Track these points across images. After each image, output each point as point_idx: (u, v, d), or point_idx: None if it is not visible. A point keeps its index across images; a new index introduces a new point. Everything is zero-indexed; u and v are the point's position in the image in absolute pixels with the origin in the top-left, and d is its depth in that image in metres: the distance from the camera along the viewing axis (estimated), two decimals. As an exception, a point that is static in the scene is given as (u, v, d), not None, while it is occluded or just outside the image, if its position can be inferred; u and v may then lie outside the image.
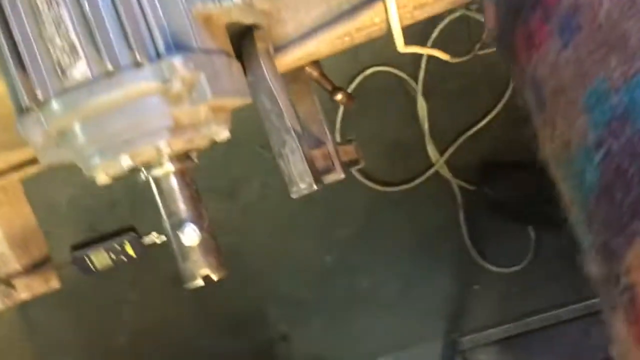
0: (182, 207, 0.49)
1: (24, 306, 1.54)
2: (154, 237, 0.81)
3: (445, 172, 1.31)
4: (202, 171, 1.47)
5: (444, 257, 1.34)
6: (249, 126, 1.37)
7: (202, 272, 0.50)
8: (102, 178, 0.50)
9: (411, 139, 1.33)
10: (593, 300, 1.25)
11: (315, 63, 0.71)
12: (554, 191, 1.10)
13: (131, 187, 1.47)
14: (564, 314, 1.28)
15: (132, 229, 0.78)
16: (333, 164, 0.62)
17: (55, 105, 0.43)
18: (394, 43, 1.30)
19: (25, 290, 0.70)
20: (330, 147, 0.62)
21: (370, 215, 1.37)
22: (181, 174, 0.49)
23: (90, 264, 0.76)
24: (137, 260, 0.79)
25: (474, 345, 1.32)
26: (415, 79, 1.30)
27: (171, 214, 0.49)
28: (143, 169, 0.49)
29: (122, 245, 0.76)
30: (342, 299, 1.41)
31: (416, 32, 1.28)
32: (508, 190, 1.21)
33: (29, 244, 0.73)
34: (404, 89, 1.32)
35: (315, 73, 0.70)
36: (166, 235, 0.51)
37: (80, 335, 1.55)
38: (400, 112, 1.33)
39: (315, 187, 0.52)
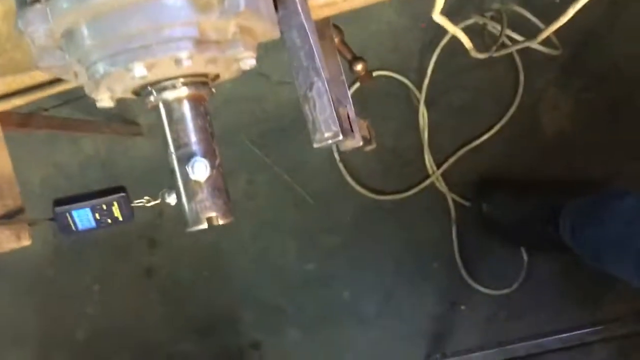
0: (193, 138, 0.43)
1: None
2: (144, 201, 0.75)
3: (441, 185, 1.27)
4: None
5: (431, 273, 1.29)
6: (240, 120, 1.33)
7: (207, 214, 0.43)
8: (105, 99, 0.44)
9: (409, 148, 1.29)
10: (581, 331, 1.21)
11: (338, 29, 0.66)
12: (553, 214, 1.07)
13: (107, 172, 1.40)
14: (550, 343, 1.23)
15: (122, 189, 0.71)
16: (352, 129, 0.56)
17: (65, -5, 0.38)
18: (401, 48, 1.27)
19: (-7, 241, 0.63)
20: (351, 110, 0.57)
21: (359, 223, 1.32)
22: (196, 101, 0.44)
23: (71, 223, 0.70)
24: (122, 223, 0.72)
25: (455, 369, 1.26)
26: (420, 88, 1.26)
27: (180, 145, 0.43)
28: (154, 90, 0.43)
29: (109, 205, 0.70)
30: (320, 310, 1.35)
31: (427, 36, 1.26)
32: (505, 209, 1.17)
33: (3, 193, 0.66)
34: (406, 96, 1.29)
35: (337, 39, 0.66)
36: (171, 172, 0.45)
37: (38, 326, 1.45)
38: (401, 119, 1.29)
39: (341, 136, 0.47)
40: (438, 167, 1.27)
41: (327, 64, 0.60)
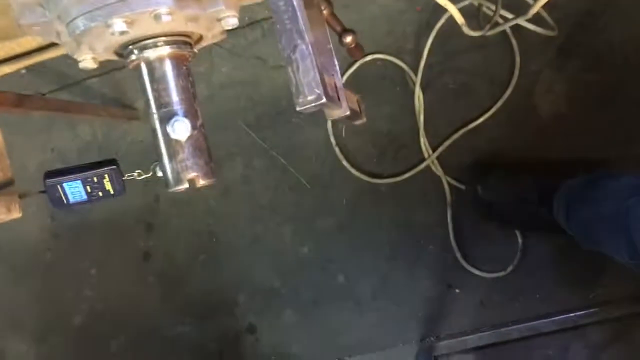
0: (175, 98, 0.43)
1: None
2: (135, 174, 0.75)
3: (437, 169, 1.27)
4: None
5: (426, 256, 1.29)
6: (236, 104, 1.33)
7: (188, 174, 0.44)
8: (86, 60, 0.44)
9: (405, 131, 1.29)
10: (575, 314, 1.21)
11: (327, 1, 0.66)
12: (547, 195, 1.07)
13: (104, 156, 1.39)
14: (544, 325, 1.24)
15: (113, 161, 0.71)
16: (338, 98, 0.57)
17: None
18: (396, 31, 1.27)
19: (-17, 212, 0.63)
20: (338, 79, 0.57)
21: (354, 206, 1.32)
22: (178, 61, 0.44)
23: (63, 196, 0.70)
24: (114, 196, 0.72)
25: (450, 352, 1.26)
26: (415, 71, 1.26)
27: (162, 104, 0.43)
28: (135, 49, 0.43)
29: (101, 178, 0.70)
30: (316, 293, 1.35)
31: (422, 19, 1.25)
32: (500, 191, 1.17)
33: (-7, 163, 0.66)
34: (402, 79, 1.29)
35: (326, 11, 0.66)
36: (152, 132, 0.45)
37: (36, 310, 1.46)
38: (396, 102, 1.29)
39: (324, 99, 0.47)
40: (434, 150, 1.27)
41: (314, 32, 0.60)
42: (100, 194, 0.71)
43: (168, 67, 0.43)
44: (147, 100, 0.44)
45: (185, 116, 0.43)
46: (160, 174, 0.71)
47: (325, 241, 1.34)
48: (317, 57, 0.48)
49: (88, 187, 0.70)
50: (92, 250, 1.43)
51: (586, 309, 1.21)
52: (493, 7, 1.13)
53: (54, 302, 1.45)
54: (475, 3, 1.13)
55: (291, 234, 1.35)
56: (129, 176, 0.74)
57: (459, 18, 0.78)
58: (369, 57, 1.28)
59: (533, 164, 1.21)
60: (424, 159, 1.28)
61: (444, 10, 1.22)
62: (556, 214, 1.06)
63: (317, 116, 1.31)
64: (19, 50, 0.58)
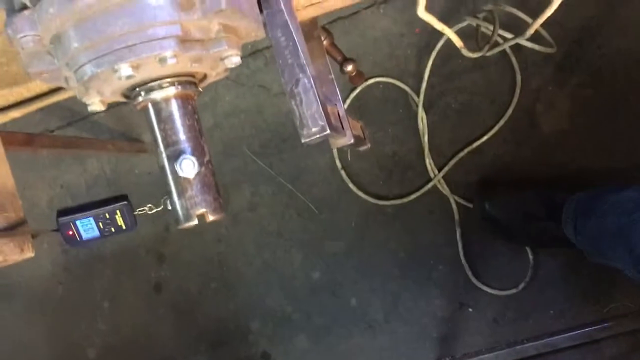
0: (181, 136, 0.44)
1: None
2: (146, 209, 0.76)
3: (443, 188, 1.28)
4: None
5: (437, 276, 1.29)
6: (241, 132, 1.35)
7: (197, 210, 0.44)
8: (95, 103, 0.45)
9: (410, 152, 1.30)
10: (590, 328, 1.21)
11: (327, 31, 0.67)
12: (555, 209, 1.07)
13: (113, 190, 1.42)
14: (560, 341, 1.23)
15: (124, 197, 0.73)
16: (342, 127, 0.58)
17: (50, 1, 0.39)
18: (397, 54, 1.29)
19: (-3, 252, 0.64)
20: (340, 108, 0.58)
21: (362, 229, 1.33)
22: (184, 100, 0.45)
23: (76, 233, 0.71)
24: (126, 232, 0.73)
25: (466, 371, 1.26)
26: (417, 92, 1.28)
27: (169, 143, 0.45)
28: (142, 91, 0.44)
29: (113, 214, 0.71)
30: (328, 318, 1.35)
31: (422, 41, 1.27)
32: (508, 207, 1.18)
33: (5, 205, 0.68)
34: (405, 101, 1.30)
35: (326, 42, 0.67)
36: (161, 169, 0.46)
37: (50, 346, 1.47)
38: (400, 124, 1.30)
39: (328, 130, 0.48)
40: (439, 169, 1.28)
41: (315, 63, 0.62)
42: (113, 229, 0.72)
43: (174, 107, 0.44)
44: (155, 140, 0.45)
45: (192, 154, 0.44)
46: (170, 207, 0.72)
47: (335, 265, 1.34)
48: (319, 89, 0.49)
49: (100, 224, 0.71)
50: (104, 282, 1.44)
51: (601, 323, 1.20)
52: (491, 28, 1.14)
53: (67, 337, 1.46)
54: (474, 24, 1.14)
55: (301, 259, 1.35)
56: (140, 211, 0.76)
57: (457, 41, 0.79)
58: (371, 81, 1.30)
59: (539, 180, 1.22)
60: (430, 179, 1.28)
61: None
62: (564, 227, 1.06)
63: (322, 143, 1.32)
64: (27, 95, 0.59)
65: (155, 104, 0.44)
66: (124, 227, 0.72)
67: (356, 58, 1.32)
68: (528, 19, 1.18)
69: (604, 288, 1.22)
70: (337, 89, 0.61)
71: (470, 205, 1.27)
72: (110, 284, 1.44)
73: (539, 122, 1.25)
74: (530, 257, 1.24)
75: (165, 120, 0.44)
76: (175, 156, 0.44)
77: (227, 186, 1.37)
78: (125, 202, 0.71)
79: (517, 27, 1.19)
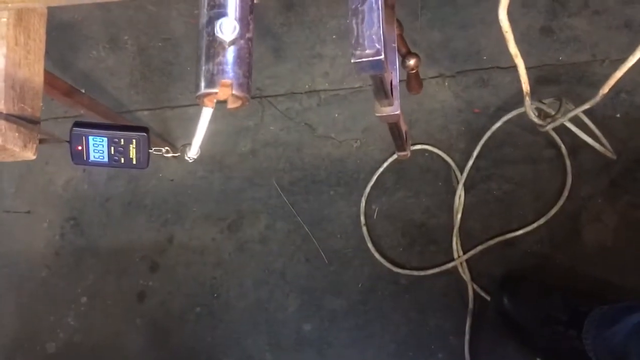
0: (230, 1, 0.41)
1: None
2: (163, 150, 0.72)
3: (464, 272, 1.20)
4: (209, 194, 1.40)
5: (435, 364, 1.18)
6: (275, 164, 1.32)
7: (223, 78, 0.40)
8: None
9: (438, 227, 1.24)
10: None
11: (399, 22, 0.65)
12: (578, 318, 0.98)
13: (131, 187, 1.38)
14: None
15: (145, 129, 0.69)
16: (392, 93, 0.53)
17: None
18: (450, 128, 1.27)
19: (-1, 135, 0.60)
20: (395, 77, 0.54)
21: (369, 293, 1.24)
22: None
23: (85, 150, 0.67)
24: (134, 167, 0.69)
25: None
26: (462, 170, 1.23)
27: (215, 5, 0.41)
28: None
29: (127, 143, 0.67)
30: (306, 379, 1.24)
31: (479, 122, 1.24)
32: (528, 305, 1.08)
33: (25, 95, 0.65)
34: (446, 175, 1.26)
35: (397, 31, 0.64)
36: (199, 33, 0.42)
37: (14, 327, 1.38)
38: (436, 197, 1.25)
39: (382, 55, 0.44)
40: (464, 252, 1.21)
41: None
42: (122, 160, 0.68)
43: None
44: (202, 2, 0.41)
45: (237, 20, 0.40)
46: (188, 156, 0.68)
47: (330, 323, 1.25)
48: (384, 16, 0.45)
49: (112, 149, 0.67)
50: (89, 277, 1.37)
51: None
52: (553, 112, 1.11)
53: (33, 323, 1.37)
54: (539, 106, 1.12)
55: (297, 306, 1.27)
56: (156, 150, 0.71)
57: (525, 84, 0.75)
58: (417, 146, 1.27)
59: (567, 288, 1.13)
60: (452, 260, 1.21)
61: (500, 115, 1.23)
62: (584, 337, 0.97)
63: (352, 190, 1.27)
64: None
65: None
66: (134, 161, 0.68)
67: (409, 123, 1.30)
68: (590, 124, 1.16)
69: None
70: (396, 57, 0.57)
71: (488, 298, 1.18)
72: (95, 280, 1.37)
73: (581, 231, 1.19)
74: (540, 369, 1.13)
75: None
76: (217, 16, 0.40)
77: (243, 212, 1.32)
78: (144, 134, 0.67)
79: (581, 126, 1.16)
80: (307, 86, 1.35)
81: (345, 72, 1.33)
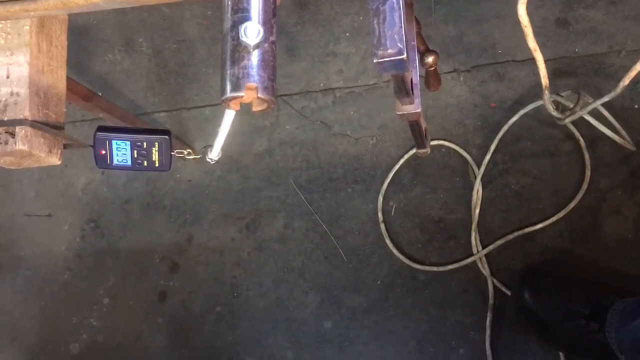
0: (253, 4, 0.41)
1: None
2: (185, 152, 0.73)
3: (483, 267, 1.20)
4: (227, 194, 1.40)
5: (456, 359, 1.18)
6: (292, 163, 1.32)
7: (249, 81, 0.40)
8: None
9: (457, 222, 1.24)
10: None
11: (417, 20, 0.65)
12: (600, 311, 0.97)
13: (150, 189, 1.39)
14: None
15: (167, 132, 0.69)
16: (413, 92, 0.54)
17: None
18: (467, 123, 1.26)
19: (24, 142, 0.61)
20: (415, 75, 0.54)
21: (388, 289, 1.24)
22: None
23: (108, 154, 0.67)
24: (157, 169, 0.69)
25: None
26: (479, 165, 1.23)
27: (239, 9, 0.41)
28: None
29: (150, 146, 0.68)
30: (328, 376, 1.24)
31: (495, 116, 1.24)
32: (550, 300, 1.08)
33: (49, 102, 0.65)
34: (464, 170, 1.26)
35: (415, 29, 0.64)
36: (222, 37, 0.42)
37: (38, 328, 1.40)
38: (454, 192, 1.25)
39: (404, 54, 0.44)
40: (484, 247, 1.20)
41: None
42: (145, 163, 0.68)
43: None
44: (225, 6, 0.42)
45: (261, 23, 0.41)
46: (210, 157, 0.68)
47: (350, 320, 1.25)
48: (405, 16, 0.45)
49: (135, 152, 0.68)
50: (110, 278, 1.38)
51: None
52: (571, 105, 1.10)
53: (56, 325, 1.39)
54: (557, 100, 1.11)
55: (317, 304, 1.27)
56: (178, 153, 0.72)
57: (545, 78, 0.75)
58: (434, 142, 1.26)
59: (589, 282, 1.12)
60: (471, 255, 1.21)
61: (517, 109, 1.22)
62: (607, 330, 0.96)
63: (369, 187, 1.28)
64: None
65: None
66: (156, 164, 0.68)
67: (425, 117, 1.30)
68: (609, 115, 1.15)
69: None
70: (416, 55, 0.57)
71: (508, 293, 1.17)
72: (116, 281, 1.38)
73: (601, 224, 1.18)
74: (562, 362, 1.13)
75: (242, -14, 0.41)
76: (240, 21, 0.40)
77: (261, 211, 1.33)
78: (166, 137, 0.68)
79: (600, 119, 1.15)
80: (321, 84, 1.35)
81: (359, 70, 1.33)
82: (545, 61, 0.73)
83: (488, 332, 1.17)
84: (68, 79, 0.80)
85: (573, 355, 1.12)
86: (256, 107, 0.43)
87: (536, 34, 0.66)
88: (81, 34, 1.46)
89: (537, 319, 1.09)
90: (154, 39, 1.42)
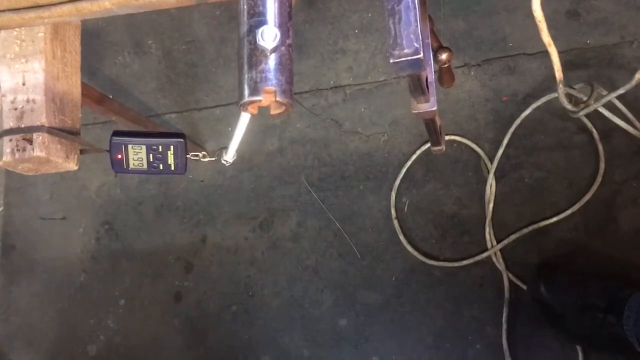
0: (269, 8, 0.41)
1: (10, 282, 1.43)
2: (200, 155, 0.73)
3: (498, 262, 1.19)
4: (240, 194, 1.41)
5: (473, 354, 1.18)
6: (304, 161, 1.32)
7: (266, 85, 0.40)
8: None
9: (470, 217, 1.23)
10: None
11: (430, 17, 0.65)
12: (618, 303, 0.97)
13: (163, 190, 1.40)
14: None
15: (182, 135, 0.70)
16: (428, 89, 0.53)
17: None
18: (478, 117, 1.26)
19: (42, 148, 0.62)
20: (430, 73, 0.54)
21: (403, 286, 1.24)
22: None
23: (125, 158, 0.68)
24: (173, 173, 0.70)
25: None
26: (492, 159, 1.23)
27: (255, 14, 0.41)
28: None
29: (165, 149, 0.68)
30: (344, 373, 1.24)
31: (507, 110, 1.23)
32: (566, 292, 1.08)
33: (65, 108, 0.66)
34: (476, 165, 1.25)
35: (428, 26, 0.64)
36: (239, 41, 0.42)
37: (55, 331, 1.41)
38: (467, 187, 1.24)
39: (421, 54, 0.44)
40: (498, 242, 1.20)
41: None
42: (161, 166, 0.69)
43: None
44: (241, 10, 0.42)
45: (277, 27, 0.41)
46: (225, 159, 0.68)
47: (365, 317, 1.25)
48: (420, 15, 0.45)
49: (151, 156, 0.68)
50: (125, 280, 1.39)
51: None
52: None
53: (74, 327, 1.40)
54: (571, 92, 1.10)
55: (332, 302, 1.27)
56: (193, 156, 0.72)
57: (559, 71, 0.74)
58: (446, 137, 1.26)
59: (605, 275, 1.12)
60: (486, 250, 1.20)
61: (529, 103, 1.22)
62: (625, 323, 0.96)
63: (382, 184, 1.27)
64: None
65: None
66: (172, 167, 0.69)
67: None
68: (622, 107, 1.14)
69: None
70: (431, 54, 0.57)
71: (524, 287, 1.17)
72: (132, 282, 1.39)
73: (616, 216, 1.17)
74: (580, 356, 1.12)
75: (258, -10, 0.41)
76: (257, 26, 0.40)
77: (274, 210, 1.33)
78: (181, 140, 0.68)
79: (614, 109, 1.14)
80: (331, 82, 1.35)
81: (369, 66, 1.32)
82: (558, 54, 0.73)
83: (504, 327, 1.16)
84: (82, 83, 0.81)
85: (591, 349, 1.11)
86: (274, 111, 0.43)
87: (548, 26, 0.65)
88: (91, 37, 1.46)
89: (554, 313, 1.09)
90: (163, 40, 1.43)
